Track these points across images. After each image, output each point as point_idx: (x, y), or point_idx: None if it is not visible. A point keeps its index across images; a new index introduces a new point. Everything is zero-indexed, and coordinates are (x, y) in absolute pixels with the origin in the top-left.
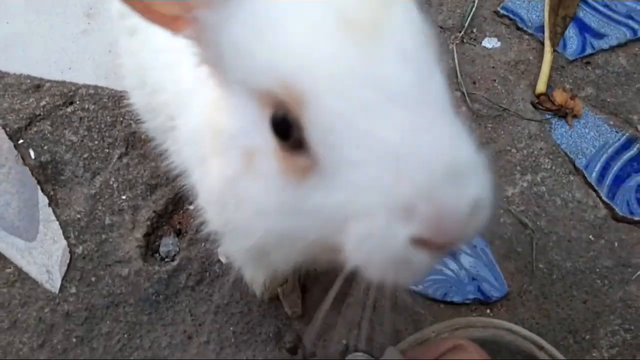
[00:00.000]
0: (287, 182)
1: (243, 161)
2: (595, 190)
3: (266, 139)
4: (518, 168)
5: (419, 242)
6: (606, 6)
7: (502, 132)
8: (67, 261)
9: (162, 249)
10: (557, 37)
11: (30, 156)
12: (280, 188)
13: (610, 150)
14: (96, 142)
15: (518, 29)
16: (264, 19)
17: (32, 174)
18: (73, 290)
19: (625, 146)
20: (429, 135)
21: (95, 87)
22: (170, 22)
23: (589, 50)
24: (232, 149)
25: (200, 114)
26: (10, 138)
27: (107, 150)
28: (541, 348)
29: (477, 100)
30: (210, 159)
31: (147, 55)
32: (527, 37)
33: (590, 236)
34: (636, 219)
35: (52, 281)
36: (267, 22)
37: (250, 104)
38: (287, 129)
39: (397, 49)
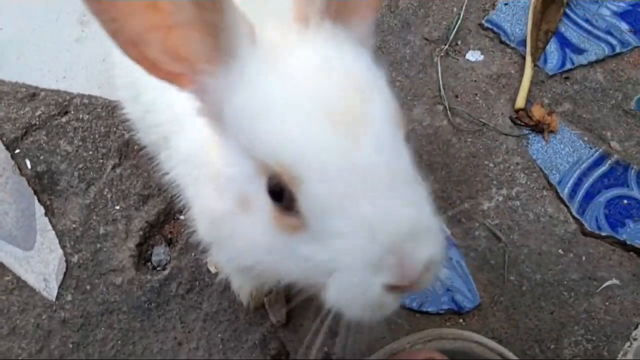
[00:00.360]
0: (279, 233)
1: (238, 203)
2: (566, 206)
3: (262, 195)
4: (494, 182)
5: (389, 288)
6: (587, 21)
7: (480, 146)
8: (64, 270)
9: (154, 258)
10: (539, 52)
11: (26, 166)
12: (272, 235)
13: (583, 166)
14: (90, 153)
15: (501, 42)
16: (263, 104)
17: (29, 184)
18: (69, 297)
19: (598, 162)
20: (396, 208)
21: (89, 97)
22: (175, 78)
23: (568, 66)
24: (228, 190)
25: (194, 140)
26: (7, 148)
27: (101, 161)
28: None
29: (459, 115)
30: (204, 186)
31: (141, 75)
32: (509, 50)
33: (560, 250)
34: (603, 234)
35: (49, 289)
36: (266, 108)
37: (247, 162)
38: (280, 194)
39: (373, 140)
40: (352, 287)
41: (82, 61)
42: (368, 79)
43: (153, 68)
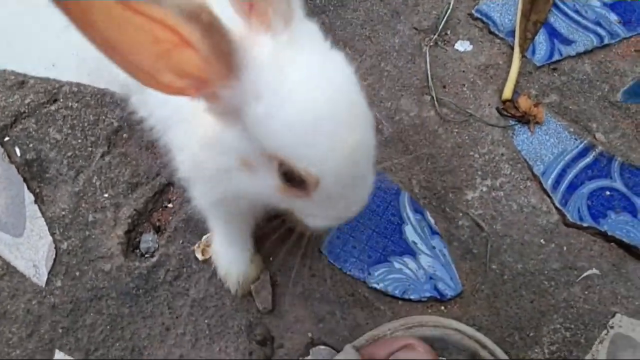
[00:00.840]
0: (280, 196)
1: (240, 163)
2: (549, 196)
3: (270, 170)
4: (479, 173)
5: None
6: (576, 11)
7: (466, 137)
8: (53, 256)
9: (142, 246)
10: (527, 43)
11: (16, 154)
12: (273, 194)
13: (567, 158)
14: (79, 141)
15: (490, 32)
16: (286, 119)
17: (19, 171)
18: (59, 284)
19: (582, 154)
20: (365, 196)
21: (78, 85)
22: (184, 92)
23: (556, 57)
24: (228, 153)
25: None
26: None
27: (90, 149)
28: (484, 347)
29: (446, 105)
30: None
31: None
32: (498, 41)
33: (542, 240)
34: (585, 225)
35: (39, 275)
36: (289, 124)
37: (256, 145)
38: (290, 176)
39: (366, 159)
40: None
41: (71, 49)
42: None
43: (163, 88)
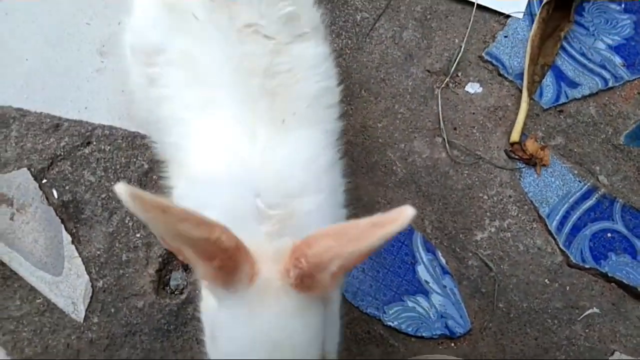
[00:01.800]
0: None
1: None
2: (554, 238)
3: None
4: (488, 214)
5: None
6: (583, 54)
7: (476, 179)
8: (90, 294)
9: (172, 283)
10: (535, 86)
11: (53, 196)
12: None
13: (571, 200)
14: (112, 183)
15: (499, 74)
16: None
17: (56, 213)
18: (95, 320)
19: (586, 196)
20: None
21: (110, 128)
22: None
23: (563, 99)
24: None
25: None
26: (35, 178)
27: None
28: None
29: (456, 147)
30: None
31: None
32: (507, 83)
33: (546, 280)
34: (587, 266)
35: (77, 312)
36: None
37: None
38: None
39: None
40: None
41: (103, 92)
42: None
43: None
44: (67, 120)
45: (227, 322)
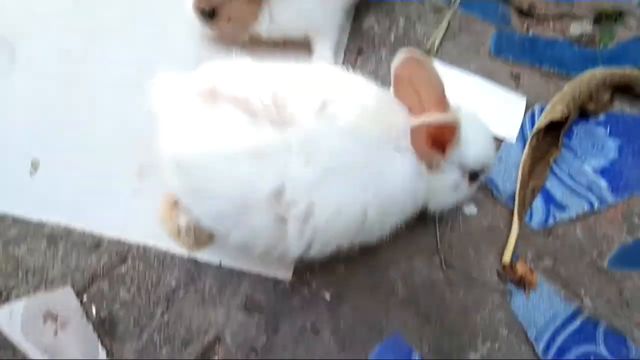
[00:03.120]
0: None
1: None
2: None
3: None
4: (480, 335)
5: None
6: (571, 177)
7: (470, 299)
8: None
9: None
10: (525, 209)
11: (92, 312)
12: None
13: (558, 322)
14: (143, 300)
15: (493, 196)
16: None
17: (94, 329)
18: None
19: (571, 319)
20: None
21: (144, 247)
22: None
23: (551, 222)
24: None
25: None
26: (77, 295)
27: (151, 308)
28: None
29: (453, 267)
30: None
31: None
32: (500, 205)
33: None
34: None
35: None
36: None
37: None
38: None
39: None
40: None
41: (139, 212)
42: None
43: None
44: (106, 238)
45: None
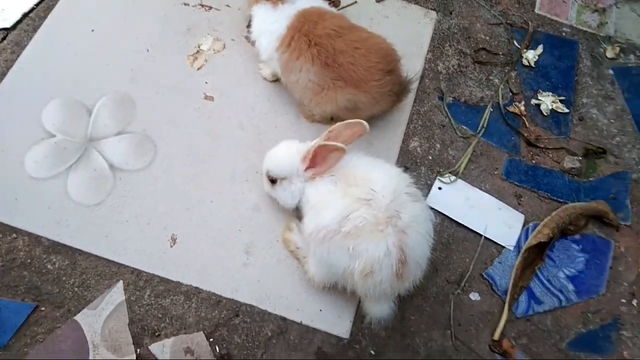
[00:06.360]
0: None
1: None
2: None
3: None
4: None
5: None
6: (548, 280)
7: None
8: None
9: None
10: (513, 301)
11: (216, 351)
12: None
13: None
14: (250, 344)
15: (492, 289)
16: None
17: None
18: None
19: None
20: None
21: (250, 306)
22: None
23: (530, 312)
24: None
25: None
26: (207, 338)
27: (255, 350)
28: None
29: (459, 339)
30: None
31: None
32: (496, 296)
33: None
34: None
35: None
36: None
37: None
38: None
39: None
40: None
41: (247, 280)
42: None
43: None
44: (224, 298)
45: None
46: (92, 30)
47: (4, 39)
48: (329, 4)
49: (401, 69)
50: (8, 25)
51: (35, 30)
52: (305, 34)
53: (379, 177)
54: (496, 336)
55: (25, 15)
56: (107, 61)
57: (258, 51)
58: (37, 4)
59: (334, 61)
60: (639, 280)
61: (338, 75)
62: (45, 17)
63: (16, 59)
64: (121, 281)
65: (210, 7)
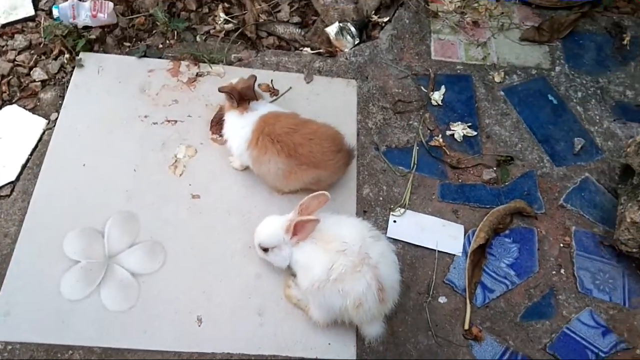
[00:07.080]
0: None
1: None
2: None
3: None
4: None
5: None
6: (494, 272)
7: (452, 352)
8: None
9: None
10: (472, 295)
11: None
12: None
13: (497, 357)
14: None
15: (454, 290)
16: None
17: None
18: None
19: (503, 354)
20: None
21: (275, 356)
22: None
23: (487, 300)
24: None
25: None
26: None
27: None
28: None
29: (440, 337)
30: None
31: None
32: (459, 295)
33: None
34: None
35: None
36: None
37: None
38: None
39: None
40: None
41: (266, 337)
42: None
43: None
44: (252, 355)
45: None
46: (84, 165)
47: (12, 191)
48: (270, 94)
49: (346, 144)
50: (12, 178)
51: (36, 177)
52: (268, 134)
53: (347, 231)
54: (466, 326)
55: (24, 166)
56: (104, 188)
57: (230, 147)
58: (30, 154)
59: (295, 152)
60: (561, 254)
61: (301, 162)
62: (41, 164)
63: (27, 205)
64: None
65: (176, 121)
